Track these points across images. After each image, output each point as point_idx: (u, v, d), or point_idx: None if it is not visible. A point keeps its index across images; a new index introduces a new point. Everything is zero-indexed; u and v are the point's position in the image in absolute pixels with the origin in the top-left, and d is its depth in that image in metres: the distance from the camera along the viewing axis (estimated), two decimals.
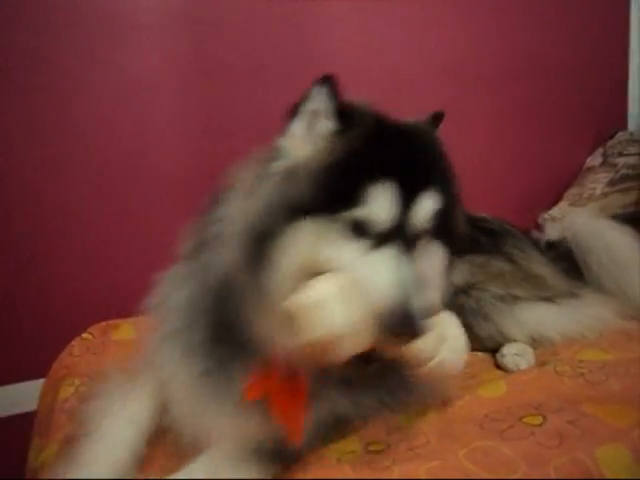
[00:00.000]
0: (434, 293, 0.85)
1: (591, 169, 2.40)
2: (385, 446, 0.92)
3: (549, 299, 1.35)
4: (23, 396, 1.70)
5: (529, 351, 1.25)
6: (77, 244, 1.80)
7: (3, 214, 1.72)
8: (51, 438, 1.06)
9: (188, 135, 1.91)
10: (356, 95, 0.87)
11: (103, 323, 1.49)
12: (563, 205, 2.30)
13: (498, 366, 1.26)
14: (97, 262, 1.83)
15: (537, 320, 1.30)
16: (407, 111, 0.88)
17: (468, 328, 1.28)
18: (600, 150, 2.44)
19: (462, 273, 1.36)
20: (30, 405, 1.58)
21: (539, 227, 2.24)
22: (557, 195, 2.38)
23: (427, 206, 0.82)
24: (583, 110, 2.51)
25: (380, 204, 0.78)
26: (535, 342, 1.29)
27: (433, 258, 0.86)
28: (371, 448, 0.92)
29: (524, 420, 0.94)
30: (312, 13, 2.01)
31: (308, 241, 0.78)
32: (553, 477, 0.81)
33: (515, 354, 1.21)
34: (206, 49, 1.89)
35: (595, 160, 2.43)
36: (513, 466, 0.82)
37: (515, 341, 1.27)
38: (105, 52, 1.78)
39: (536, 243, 1.55)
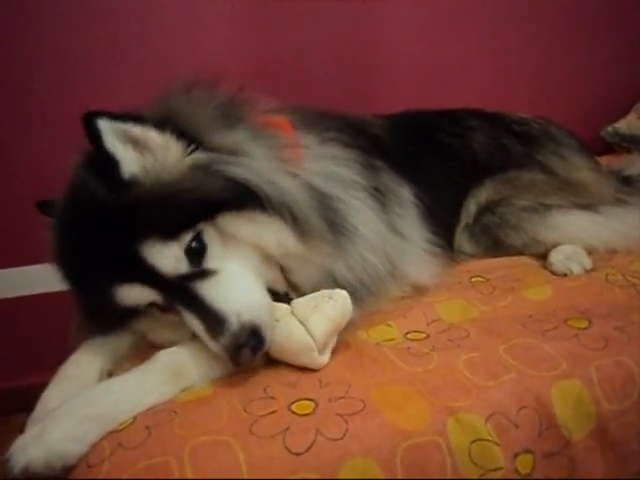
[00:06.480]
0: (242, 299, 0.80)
1: None
2: (425, 335, 0.93)
3: (588, 206, 1.28)
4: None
5: (581, 253, 1.18)
6: None
7: None
8: None
9: (240, 26, 1.80)
10: None
11: None
12: (631, 118, 2.14)
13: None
14: None
15: (571, 227, 1.24)
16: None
17: (500, 242, 1.26)
18: None
19: (487, 191, 1.32)
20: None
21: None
22: (626, 107, 2.21)
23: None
24: None
25: None
26: None
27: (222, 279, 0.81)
28: (410, 336, 0.93)
29: (569, 322, 0.92)
30: None
31: None
32: (594, 376, 0.80)
33: (565, 259, 1.16)
34: None
35: None
36: (554, 363, 0.82)
37: (561, 245, 1.21)
38: None
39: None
